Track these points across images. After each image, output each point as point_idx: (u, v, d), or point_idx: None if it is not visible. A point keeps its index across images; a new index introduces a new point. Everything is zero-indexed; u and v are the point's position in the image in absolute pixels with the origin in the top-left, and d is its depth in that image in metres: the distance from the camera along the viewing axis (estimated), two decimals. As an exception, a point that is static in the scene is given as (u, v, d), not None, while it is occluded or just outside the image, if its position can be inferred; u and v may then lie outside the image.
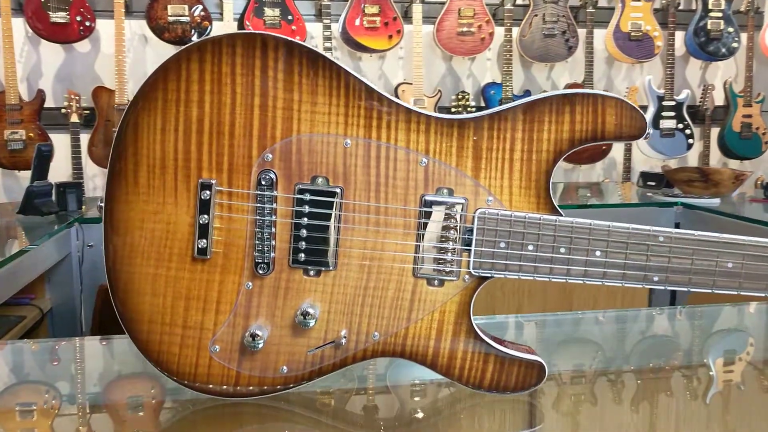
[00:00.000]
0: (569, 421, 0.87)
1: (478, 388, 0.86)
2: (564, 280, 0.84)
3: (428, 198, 0.83)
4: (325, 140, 0.82)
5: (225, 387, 0.84)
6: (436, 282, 0.84)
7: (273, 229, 0.82)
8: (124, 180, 0.81)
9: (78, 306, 2.26)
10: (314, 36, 3.94)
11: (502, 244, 0.83)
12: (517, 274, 0.84)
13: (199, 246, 0.82)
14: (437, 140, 0.83)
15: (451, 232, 0.83)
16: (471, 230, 0.83)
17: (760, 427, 0.87)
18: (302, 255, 0.83)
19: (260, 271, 0.83)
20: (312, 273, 0.83)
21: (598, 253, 0.83)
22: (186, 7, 3.61)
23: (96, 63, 3.76)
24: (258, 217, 0.82)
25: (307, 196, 0.82)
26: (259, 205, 0.82)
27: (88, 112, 3.55)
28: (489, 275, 0.84)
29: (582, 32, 4.09)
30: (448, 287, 0.84)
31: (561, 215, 0.83)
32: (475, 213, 0.83)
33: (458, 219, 0.83)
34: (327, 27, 3.76)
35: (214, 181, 0.81)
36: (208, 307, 0.83)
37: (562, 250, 0.83)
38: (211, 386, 0.84)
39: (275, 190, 0.82)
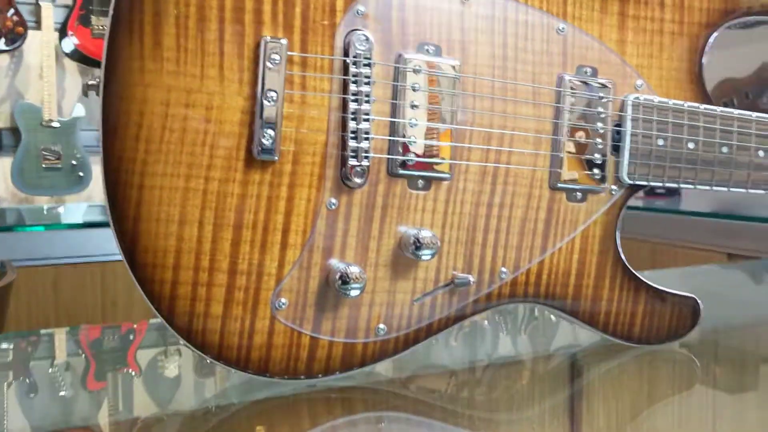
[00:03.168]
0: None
1: (627, 339, 0.65)
2: (725, 189, 0.66)
3: (568, 79, 0.61)
4: None
5: (292, 362, 0.55)
6: (578, 195, 0.62)
7: (369, 117, 0.55)
8: (138, 40, 0.51)
9: None
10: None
11: (660, 141, 0.63)
12: (675, 182, 0.64)
13: (263, 142, 0.52)
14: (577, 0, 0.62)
15: (598, 125, 0.62)
16: (620, 123, 0.63)
17: None
18: (410, 156, 0.57)
19: (353, 181, 0.55)
20: (420, 185, 0.58)
21: (761, 153, 0.66)
22: (-5, 10, 3.08)
23: None
24: (351, 98, 0.55)
25: (421, 71, 0.56)
26: (351, 78, 0.55)
27: None
28: (644, 183, 0.63)
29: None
30: (591, 202, 0.63)
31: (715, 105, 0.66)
32: (625, 100, 0.62)
33: (606, 108, 0.62)
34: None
35: (284, 42, 0.53)
36: (270, 240, 0.54)
37: (724, 149, 0.65)
38: (271, 363, 0.55)
39: (372, 58, 0.55)
